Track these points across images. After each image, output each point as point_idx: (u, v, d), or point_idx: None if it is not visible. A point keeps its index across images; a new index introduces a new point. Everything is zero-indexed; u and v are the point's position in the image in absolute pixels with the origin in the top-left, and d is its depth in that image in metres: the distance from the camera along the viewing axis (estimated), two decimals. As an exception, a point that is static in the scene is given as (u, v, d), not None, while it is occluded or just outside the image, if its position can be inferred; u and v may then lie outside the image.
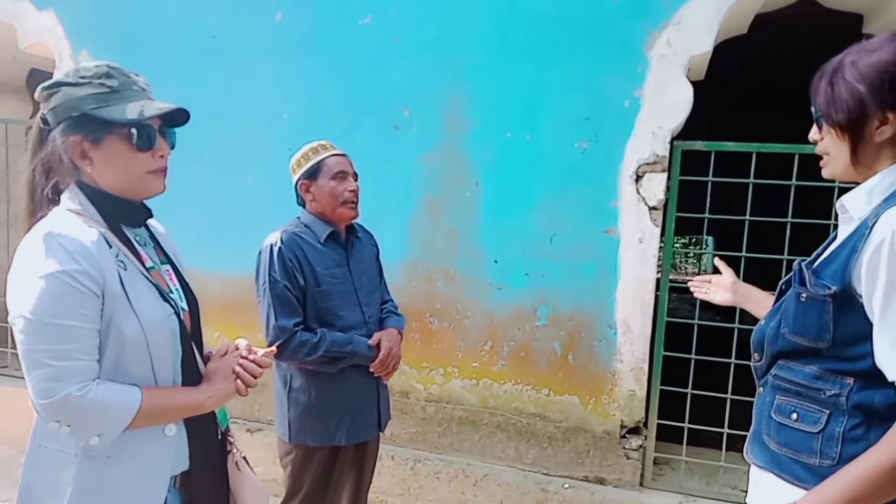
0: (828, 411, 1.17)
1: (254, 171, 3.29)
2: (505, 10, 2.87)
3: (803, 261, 1.27)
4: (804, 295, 1.19)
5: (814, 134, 1.26)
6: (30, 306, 1.09)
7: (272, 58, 3.23)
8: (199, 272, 3.20)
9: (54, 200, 1.23)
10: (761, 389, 1.36)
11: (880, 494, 1.05)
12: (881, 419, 1.11)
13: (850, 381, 1.15)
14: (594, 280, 2.81)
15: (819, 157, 1.28)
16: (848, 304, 1.13)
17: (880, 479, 1.03)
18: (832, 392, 1.17)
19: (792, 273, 1.30)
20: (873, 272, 1.07)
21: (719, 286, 1.76)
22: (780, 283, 1.36)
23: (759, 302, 1.63)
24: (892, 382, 1.07)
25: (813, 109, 1.23)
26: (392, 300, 2.35)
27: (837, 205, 1.24)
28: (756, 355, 1.37)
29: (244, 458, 1.49)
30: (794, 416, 1.22)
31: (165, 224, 1.51)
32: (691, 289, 1.85)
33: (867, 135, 1.14)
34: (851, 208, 1.19)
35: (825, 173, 1.27)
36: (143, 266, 1.26)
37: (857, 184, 1.23)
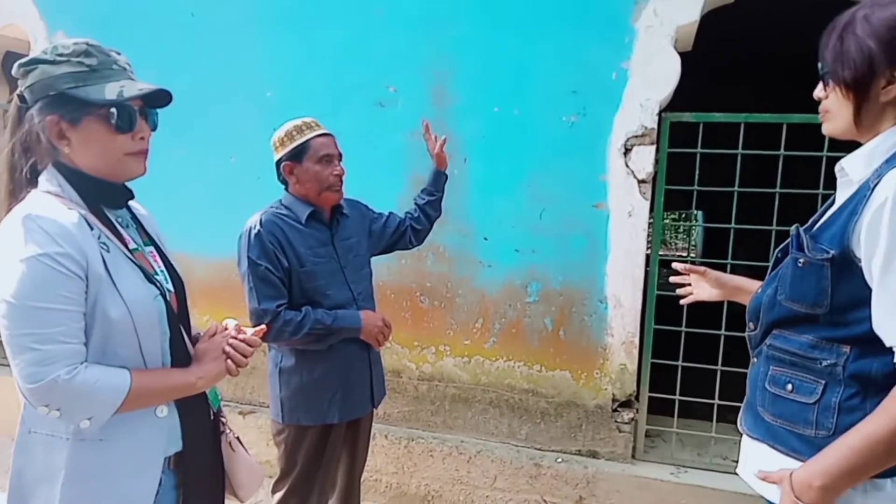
0: (823, 381, 1.16)
1: (237, 152, 3.24)
2: (489, -18, 2.81)
3: (800, 226, 1.24)
4: (802, 260, 1.17)
5: (818, 91, 1.21)
6: (11, 290, 1.07)
7: (253, 35, 3.17)
8: (186, 255, 3.18)
9: (33, 181, 1.20)
10: (755, 360, 1.34)
11: (877, 463, 1.04)
12: (878, 388, 1.09)
13: (847, 349, 1.13)
14: (584, 255, 2.80)
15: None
16: (847, 269, 1.11)
17: (878, 447, 1.02)
18: (829, 362, 1.15)
19: (788, 240, 1.27)
20: (873, 234, 1.04)
21: (701, 282, 1.69)
22: (776, 251, 1.33)
23: (750, 290, 1.55)
24: (891, 348, 1.05)
25: (819, 65, 1.18)
26: (410, 211, 2.44)
27: (836, 168, 1.22)
28: (751, 325, 1.35)
29: (237, 438, 1.48)
30: (790, 386, 1.21)
31: (149, 207, 1.48)
32: (681, 302, 1.78)
33: (872, 94, 1.11)
34: (851, 171, 1.16)
35: (825, 130, 1.24)
36: (126, 248, 1.24)
37: (849, 147, 1.21)
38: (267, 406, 3.27)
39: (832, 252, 1.11)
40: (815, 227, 1.19)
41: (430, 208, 2.44)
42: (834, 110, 1.18)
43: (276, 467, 2.16)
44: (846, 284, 1.11)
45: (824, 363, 1.15)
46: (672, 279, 1.76)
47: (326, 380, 2.04)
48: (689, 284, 1.73)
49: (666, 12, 2.59)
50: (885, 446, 1.02)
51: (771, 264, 1.34)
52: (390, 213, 2.39)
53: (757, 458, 1.28)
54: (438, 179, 2.46)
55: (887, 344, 1.05)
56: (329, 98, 3.05)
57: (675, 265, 1.73)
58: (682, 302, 1.76)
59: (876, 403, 1.06)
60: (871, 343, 1.09)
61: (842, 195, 1.20)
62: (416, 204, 2.45)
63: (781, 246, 1.31)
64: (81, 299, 1.12)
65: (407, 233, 2.38)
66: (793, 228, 1.24)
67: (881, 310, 1.06)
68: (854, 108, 1.13)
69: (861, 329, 1.10)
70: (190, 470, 1.32)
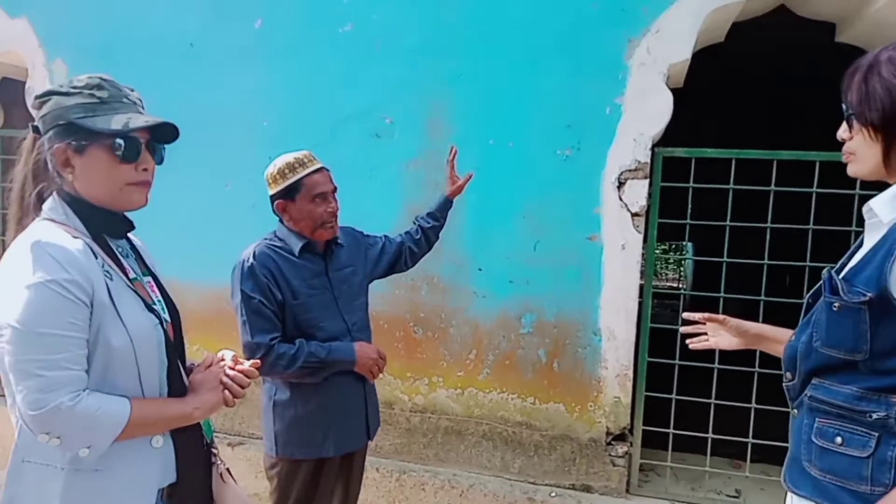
0: (876, 434, 1.09)
1: (233, 180, 3.24)
2: (486, 18, 2.87)
3: (832, 268, 1.21)
4: (836, 304, 1.13)
5: (842, 132, 1.19)
6: (18, 316, 1.08)
7: (251, 66, 3.20)
8: (179, 283, 3.12)
9: (38, 208, 1.23)
10: (795, 412, 1.28)
11: None
12: None
13: (895, 399, 1.09)
14: (578, 287, 2.80)
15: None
16: (885, 312, 1.07)
17: None
18: (879, 414, 1.09)
19: (820, 283, 1.23)
20: None
21: (720, 330, 1.59)
22: (807, 296, 1.29)
23: (773, 338, 1.50)
24: None
25: (844, 106, 1.16)
26: (415, 221, 2.45)
27: (865, 209, 1.18)
28: (788, 374, 1.29)
29: (227, 469, 1.47)
30: (839, 439, 1.14)
31: (144, 234, 1.48)
32: (690, 346, 1.67)
33: None
34: (880, 212, 1.13)
35: (851, 171, 1.20)
36: (127, 277, 1.26)
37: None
38: (256, 437, 3.23)
39: (869, 294, 1.08)
40: (847, 270, 1.16)
41: (431, 233, 2.43)
42: (860, 152, 1.16)
43: (264, 501, 2.12)
44: (886, 328, 1.08)
45: (874, 416, 1.09)
46: (684, 329, 1.67)
47: (321, 413, 2.01)
48: (703, 333, 1.65)
49: (658, 50, 2.65)
50: None
51: (803, 310, 1.30)
52: (385, 236, 2.37)
53: None
54: (446, 207, 2.46)
55: None
56: (325, 128, 3.08)
57: (688, 315, 1.64)
58: (693, 347, 1.66)
59: None
60: None
61: (871, 236, 1.16)
62: (418, 225, 2.43)
63: (812, 290, 1.27)
64: (86, 326, 1.13)
65: (404, 255, 2.36)
66: (824, 272, 1.20)
67: None
68: (883, 149, 1.11)
69: None
70: (182, 501, 1.30)
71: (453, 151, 2.43)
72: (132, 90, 1.28)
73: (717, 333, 1.60)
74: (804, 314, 1.28)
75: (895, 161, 1.11)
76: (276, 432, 2.02)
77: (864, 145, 1.14)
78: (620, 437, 2.81)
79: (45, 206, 1.22)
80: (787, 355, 1.29)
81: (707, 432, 2.74)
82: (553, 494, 2.81)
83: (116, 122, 1.20)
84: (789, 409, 1.30)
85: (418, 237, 2.41)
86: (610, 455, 2.81)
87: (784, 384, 1.31)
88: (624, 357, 2.77)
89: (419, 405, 3.06)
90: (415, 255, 2.41)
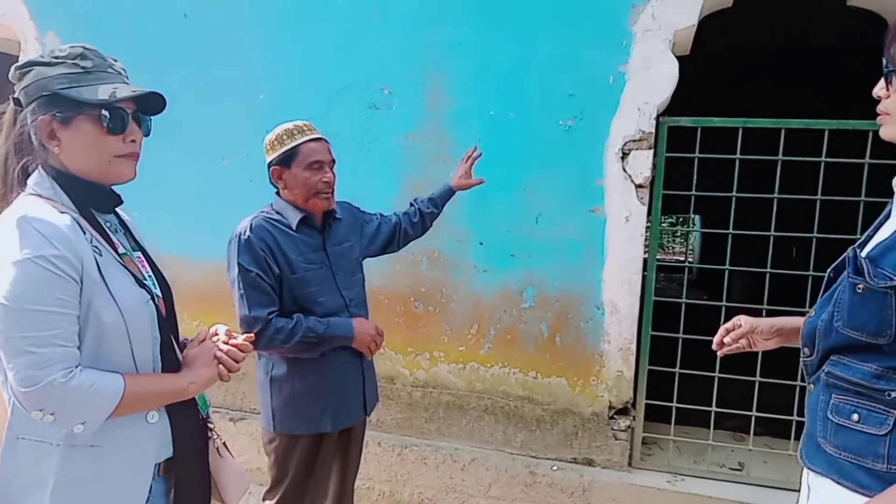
0: (894, 412, 1.07)
1: (230, 154, 3.20)
2: (485, -16, 2.79)
3: (856, 247, 1.16)
4: (861, 286, 1.08)
5: (879, 90, 1.12)
6: (6, 293, 1.06)
7: (246, 37, 3.14)
8: (176, 259, 3.14)
9: (22, 183, 1.20)
10: (812, 387, 1.24)
11: None
12: None
13: None
14: (581, 260, 2.77)
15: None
16: None
17: None
18: None
19: (842, 259, 1.19)
20: None
21: (752, 337, 1.50)
22: (829, 270, 1.25)
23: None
24: None
25: (884, 61, 1.09)
26: (413, 203, 2.42)
27: (895, 183, 1.14)
28: (806, 350, 1.25)
29: (224, 444, 1.47)
30: (856, 416, 1.12)
31: (140, 210, 1.46)
32: (720, 353, 1.56)
33: None
34: None
35: (883, 133, 1.14)
36: (117, 252, 1.24)
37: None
38: (258, 412, 3.23)
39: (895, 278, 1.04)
40: (874, 249, 1.11)
41: (429, 219, 2.42)
42: (895, 112, 1.10)
43: (266, 475, 2.13)
44: None
45: (893, 394, 1.07)
46: (721, 352, 1.55)
47: (318, 388, 2.00)
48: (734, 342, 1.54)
49: (664, 16, 2.57)
50: None
51: (824, 284, 1.26)
52: (381, 214, 2.35)
53: (821, 495, 1.20)
54: (447, 196, 2.45)
55: None
56: (322, 100, 3.02)
57: (719, 346, 1.52)
58: (721, 354, 1.56)
59: None
60: None
61: None
62: (417, 208, 2.40)
63: (834, 265, 1.23)
64: (76, 302, 1.12)
65: (398, 235, 2.35)
66: (850, 250, 1.15)
67: None
68: None
69: None
70: (180, 476, 1.31)
71: (475, 152, 2.44)
72: (116, 60, 1.25)
73: (751, 341, 1.50)
74: (825, 289, 1.24)
75: None
76: (273, 408, 2.02)
77: None
78: (623, 411, 2.80)
79: (31, 180, 1.19)
80: (806, 331, 1.25)
81: (710, 406, 2.72)
82: (555, 468, 2.81)
83: (103, 92, 1.17)
84: (794, 383, 1.26)
85: (416, 220, 2.38)
86: (612, 429, 2.80)
87: (802, 359, 1.27)
88: (627, 331, 2.74)
89: (420, 380, 3.05)
90: (408, 237, 2.39)
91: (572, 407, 2.84)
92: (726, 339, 1.48)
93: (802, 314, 1.33)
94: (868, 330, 1.08)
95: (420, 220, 2.39)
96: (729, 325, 1.50)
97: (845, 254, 1.19)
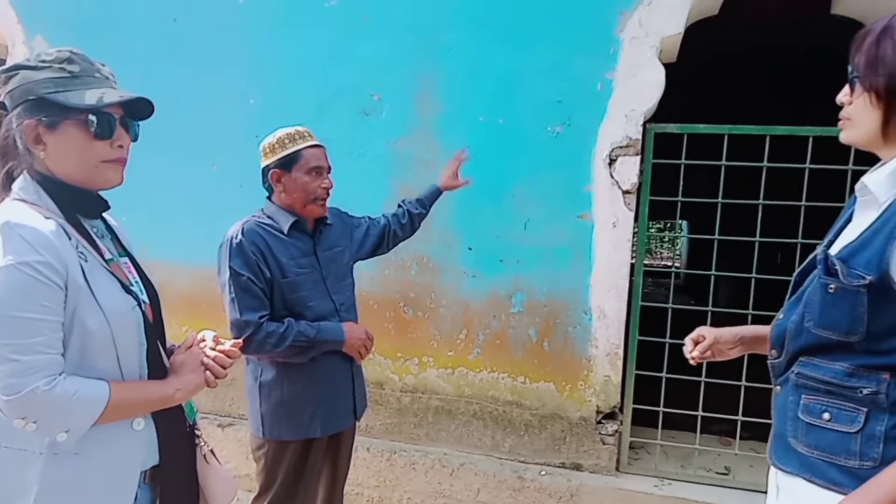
0: (865, 409, 1.09)
1: (220, 160, 3.19)
2: (475, -9, 2.81)
3: (825, 249, 1.19)
4: (833, 286, 1.10)
5: (843, 96, 1.15)
6: None
7: (236, 42, 3.14)
8: (166, 265, 3.14)
9: (6, 188, 1.19)
10: (779, 388, 1.27)
11: None
12: None
13: (886, 376, 1.08)
14: (569, 266, 2.78)
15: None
16: (883, 295, 1.05)
17: None
18: (870, 390, 1.09)
19: (808, 263, 1.22)
20: None
21: (717, 347, 1.51)
22: (795, 274, 1.27)
23: (766, 337, 1.44)
24: None
25: (850, 68, 1.12)
26: (401, 204, 2.44)
27: (858, 186, 1.16)
28: (774, 352, 1.27)
29: (211, 450, 1.46)
30: (827, 415, 1.14)
31: (130, 215, 1.45)
32: (692, 361, 1.56)
33: None
34: (876, 190, 1.10)
35: (843, 137, 1.18)
36: (103, 258, 1.23)
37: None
38: (246, 418, 3.22)
39: (869, 278, 1.05)
40: (842, 249, 1.13)
41: (417, 220, 2.43)
42: (858, 118, 1.12)
43: (255, 482, 2.12)
44: (884, 311, 1.06)
45: (865, 391, 1.09)
46: (692, 361, 1.56)
47: (308, 393, 2.00)
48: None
49: (651, 23, 2.59)
50: None
51: (791, 288, 1.28)
52: (369, 217, 2.35)
53: (791, 494, 1.22)
54: (434, 196, 2.47)
55: None
56: (312, 105, 3.03)
57: (688, 355, 1.54)
58: (695, 361, 1.56)
59: None
60: None
61: (865, 214, 1.14)
62: (405, 209, 2.41)
63: (800, 269, 1.25)
64: (60, 309, 1.11)
65: (387, 237, 2.35)
66: (819, 251, 1.18)
67: None
68: (883, 117, 1.08)
69: None
70: (166, 483, 1.30)
71: (462, 154, 2.46)
72: (103, 65, 1.24)
73: (715, 352, 1.52)
74: (791, 293, 1.26)
75: (892, 131, 1.08)
76: (262, 413, 2.01)
77: (864, 111, 1.10)
78: (610, 416, 2.81)
79: (15, 185, 1.18)
80: (774, 334, 1.27)
81: (697, 410, 2.74)
82: (543, 473, 2.82)
83: (90, 97, 1.16)
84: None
85: (404, 221, 2.39)
86: (600, 433, 2.81)
87: (769, 361, 1.29)
88: (614, 336, 2.76)
89: (409, 385, 3.05)
90: (396, 238, 2.40)
91: (560, 412, 2.85)
92: (694, 353, 1.50)
93: None
94: (840, 328, 1.10)
95: (409, 220, 2.40)
96: (694, 336, 1.52)
97: (811, 257, 1.22)
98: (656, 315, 2.83)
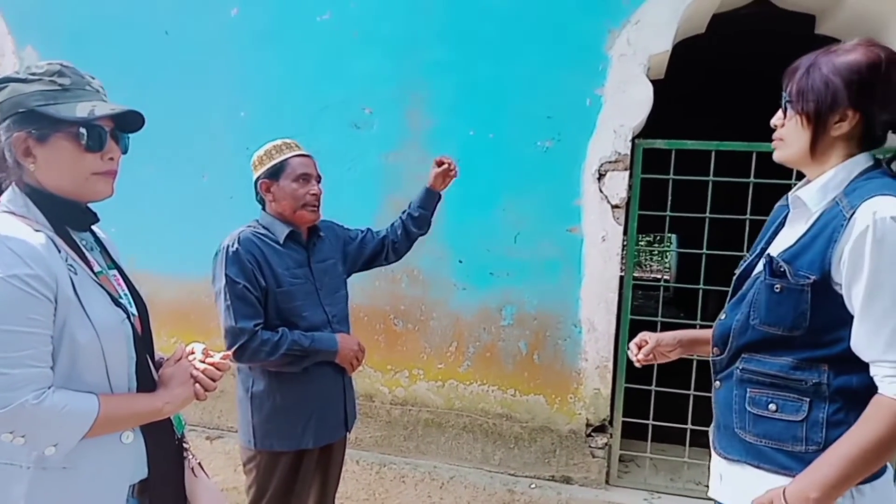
0: (808, 399, 1.22)
1: (210, 172, 3.20)
2: (465, 7, 2.85)
3: (768, 253, 1.30)
4: (778, 286, 1.23)
5: (776, 119, 1.31)
6: None
7: (228, 54, 3.15)
8: (155, 276, 3.13)
9: None
10: (718, 383, 1.39)
11: (866, 469, 1.12)
12: (858, 401, 1.16)
13: (825, 367, 1.21)
14: (558, 279, 2.80)
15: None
16: (824, 292, 1.18)
17: (867, 454, 1.10)
18: (813, 381, 1.21)
19: (745, 268, 1.37)
20: (856, 260, 1.12)
21: (659, 350, 1.65)
22: (734, 279, 1.41)
23: (701, 339, 1.63)
24: (869, 364, 1.14)
25: (783, 95, 1.28)
26: (395, 224, 2.36)
27: (792, 199, 1.31)
28: (716, 349, 1.39)
29: (199, 464, 1.45)
30: (773, 406, 1.26)
31: (119, 226, 1.45)
32: (637, 364, 1.71)
33: (828, 126, 1.21)
34: (809, 202, 1.25)
35: (777, 156, 1.34)
36: (92, 271, 1.22)
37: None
38: (235, 431, 3.20)
39: (813, 277, 1.18)
40: (783, 254, 1.25)
41: (412, 224, 2.34)
42: (789, 138, 1.28)
43: (242, 495, 2.10)
44: (824, 307, 1.19)
45: (809, 383, 1.22)
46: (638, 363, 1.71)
47: (301, 404, 2.00)
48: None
49: (639, 41, 2.64)
50: (873, 453, 1.10)
51: (731, 291, 1.41)
52: (368, 229, 2.35)
53: (736, 479, 1.33)
54: (431, 198, 2.35)
55: (867, 360, 1.14)
56: (304, 119, 3.04)
57: (633, 358, 1.68)
58: (640, 364, 1.71)
59: (858, 415, 1.14)
60: (847, 361, 1.18)
61: (798, 224, 1.29)
62: (400, 219, 2.36)
63: (739, 273, 1.40)
64: (50, 322, 1.10)
65: (386, 248, 2.33)
66: (765, 256, 1.29)
67: (864, 331, 1.14)
68: (811, 138, 1.23)
69: (839, 348, 1.18)
70: (154, 497, 1.29)
71: (452, 166, 2.32)
72: (93, 78, 1.24)
73: (657, 354, 1.67)
74: (732, 295, 1.39)
75: (819, 149, 1.24)
76: (253, 425, 2.00)
77: (795, 132, 1.26)
78: (600, 429, 2.82)
79: (4, 197, 1.18)
80: (718, 332, 1.39)
81: (686, 423, 2.76)
82: (533, 486, 2.81)
83: (81, 109, 1.16)
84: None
85: (399, 232, 2.35)
86: (590, 446, 2.82)
87: (711, 359, 1.42)
88: (604, 349, 2.77)
89: (399, 397, 3.05)
90: (398, 249, 2.35)
91: (550, 424, 2.85)
92: (640, 356, 1.64)
93: None
94: (785, 324, 1.23)
95: (403, 228, 2.33)
96: (638, 341, 1.67)
97: (746, 263, 1.39)
98: (646, 328, 2.84)
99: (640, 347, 1.66)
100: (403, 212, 2.39)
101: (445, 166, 2.31)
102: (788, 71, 1.28)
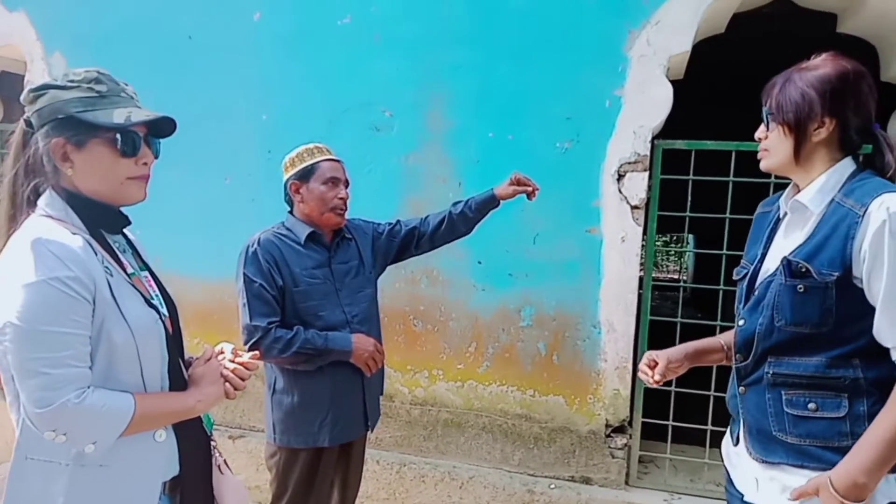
0: (846, 395, 1.26)
1: (233, 174, 3.24)
2: (484, 9, 2.86)
3: (788, 256, 1.33)
4: (802, 286, 1.28)
5: (760, 132, 1.41)
6: (21, 314, 1.07)
7: (250, 59, 3.19)
8: (179, 278, 3.15)
9: (32, 204, 1.21)
10: (743, 389, 1.41)
11: None
12: (890, 388, 1.21)
13: (857, 361, 1.26)
14: (577, 280, 2.81)
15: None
16: (847, 287, 1.24)
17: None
18: (850, 377, 1.26)
19: (751, 273, 1.43)
20: (875, 253, 1.19)
21: (669, 369, 1.61)
22: (742, 286, 1.47)
23: (707, 349, 1.68)
24: (890, 349, 1.21)
25: (764, 110, 1.39)
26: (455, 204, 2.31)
27: (792, 205, 1.37)
28: (739, 356, 1.42)
29: (225, 461, 1.49)
30: (812, 405, 1.29)
31: (144, 229, 1.48)
32: (654, 385, 1.65)
33: (808, 134, 1.31)
34: (810, 205, 1.32)
35: (763, 165, 1.43)
36: (126, 273, 1.26)
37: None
38: (257, 430, 3.25)
39: (836, 274, 1.24)
40: (800, 255, 1.29)
41: (462, 223, 2.30)
42: (773, 148, 1.38)
43: (264, 493, 2.14)
44: (846, 302, 1.24)
45: (847, 379, 1.26)
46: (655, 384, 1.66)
47: (315, 402, 2.03)
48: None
49: (659, 42, 2.63)
50: None
51: (743, 297, 1.46)
52: (398, 220, 2.33)
53: (778, 482, 1.34)
54: (490, 204, 2.30)
55: (889, 345, 1.21)
56: (324, 121, 3.07)
57: (648, 381, 1.63)
58: (655, 385, 1.65)
59: None
60: (875, 353, 1.24)
61: (798, 227, 1.36)
62: (450, 212, 2.30)
63: (747, 281, 1.45)
64: (89, 323, 1.13)
65: (416, 238, 2.29)
66: (782, 260, 1.33)
67: (886, 318, 1.20)
68: (794, 145, 1.33)
69: (864, 340, 1.24)
70: (185, 494, 1.32)
71: (531, 188, 2.29)
72: (127, 84, 1.28)
73: (667, 371, 1.62)
74: (746, 301, 1.43)
75: (802, 155, 1.33)
76: (274, 421, 2.06)
77: (778, 142, 1.36)
78: (620, 430, 2.82)
79: (41, 201, 1.21)
80: (741, 339, 1.41)
81: (706, 424, 2.75)
82: (552, 486, 2.82)
83: (118, 116, 1.19)
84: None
85: (444, 224, 2.29)
86: (609, 447, 2.82)
87: (735, 366, 1.45)
88: (623, 349, 2.77)
89: (419, 398, 3.07)
90: (434, 240, 2.30)
91: (569, 425, 2.86)
92: (655, 378, 1.60)
93: None
94: (811, 322, 1.28)
95: (449, 221, 2.28)
96: (647, 361, 1.64)
97: (748, 270, 1.44)
98: (665, 329, 2.84)
99: (651, 367, 1.62)
100: (456, 204, 2.31)
101: (531, 189, 2.27)
102: (766, 88, 1.38)
